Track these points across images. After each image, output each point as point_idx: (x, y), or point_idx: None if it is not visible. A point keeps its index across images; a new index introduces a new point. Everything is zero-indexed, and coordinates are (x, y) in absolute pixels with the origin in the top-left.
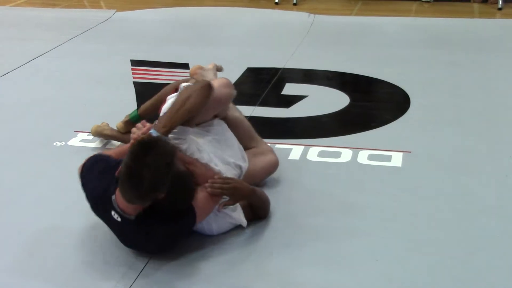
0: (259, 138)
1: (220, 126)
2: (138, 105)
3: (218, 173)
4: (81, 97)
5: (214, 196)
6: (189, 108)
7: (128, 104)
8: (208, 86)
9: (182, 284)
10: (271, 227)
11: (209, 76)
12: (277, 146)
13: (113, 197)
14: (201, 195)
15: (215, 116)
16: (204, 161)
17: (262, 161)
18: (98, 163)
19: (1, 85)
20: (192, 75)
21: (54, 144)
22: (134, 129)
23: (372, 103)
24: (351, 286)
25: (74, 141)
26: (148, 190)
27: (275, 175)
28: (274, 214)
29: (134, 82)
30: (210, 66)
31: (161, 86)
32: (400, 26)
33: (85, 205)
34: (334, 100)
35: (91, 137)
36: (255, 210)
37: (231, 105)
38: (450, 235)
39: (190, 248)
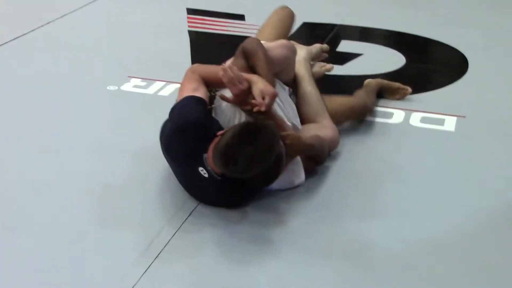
0: (325, 114)
1: (282, 89)
2: (192, 54)
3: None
4: (136, 43)
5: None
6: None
7: (182, 52)
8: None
9: (230, 228)
10: (315, 186)
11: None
12: None
13: (205, 155)
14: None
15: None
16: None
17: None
18: (196, 130)
19: (57, 27)
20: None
21: (108, 88)
22: (227, 67)
23: (429, 65)
24: (387, 238)
25: (127, 86)
26: (238, 174)
27: None
28: (321, 171)
29: (189, 31)
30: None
31: (215, 36)
32: None
33: (138, 148)
34: (389, 60)
35: (144, 83)
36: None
37: (307, 77)
38: (501, 202)
39: None
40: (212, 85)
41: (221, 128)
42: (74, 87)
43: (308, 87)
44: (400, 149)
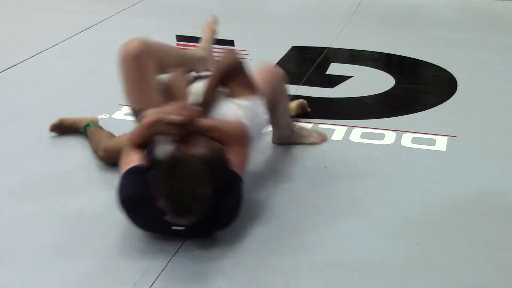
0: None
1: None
2: None
3: None
4: None
5: (243, 146)
6: None
7: None
8: None
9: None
10: (307, 205)
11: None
12: (320, 126)
13: (167, 217)
14: (232, 157)
15: None
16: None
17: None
18: (137, 204)
19: (49, 57)
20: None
21: (99, 116)
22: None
23: (418, 86)
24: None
25: (119, 114)
26: (199, 212)
27: (317, 155)
28: (312, 191)
29: None
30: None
31: None
32: (449, 8)
33: None
34: (379, 82)
35: None
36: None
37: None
38: (494, 222)
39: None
40: (149, 141)
41: None
42: (66, 116)
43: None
44: (393, 170)
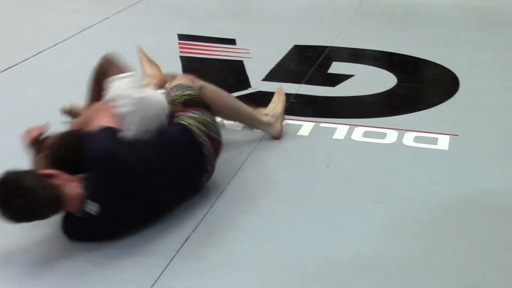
0: None
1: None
2: None
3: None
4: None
5: (105, 111)
6: None
7: None
8: None
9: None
10: (308, 203)
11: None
12: (322, 125)
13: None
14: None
15: None
16: None
17: None
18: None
19: (49, 56)
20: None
21: None
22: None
23: (420, 85)
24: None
25: None
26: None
27: (319, 154)
28: (313, 190)
29: (180, 56)
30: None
31: (207, 60)
32: (451, 7)
33: None
34: (381, 80)
35: None
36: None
37: None
38: (494, 222)
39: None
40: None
41: None
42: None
43: None
44: (394, 169)
